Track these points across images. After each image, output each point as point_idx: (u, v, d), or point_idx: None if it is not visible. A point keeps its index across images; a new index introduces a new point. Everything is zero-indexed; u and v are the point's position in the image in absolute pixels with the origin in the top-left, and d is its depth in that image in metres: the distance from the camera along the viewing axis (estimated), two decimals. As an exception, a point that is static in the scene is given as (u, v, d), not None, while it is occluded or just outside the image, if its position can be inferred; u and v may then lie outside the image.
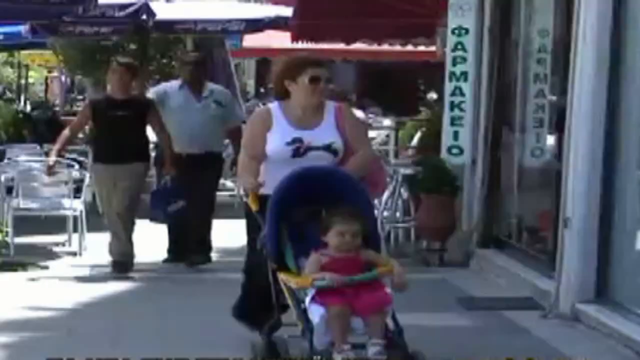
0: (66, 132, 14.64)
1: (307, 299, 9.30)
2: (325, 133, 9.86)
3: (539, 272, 15.30)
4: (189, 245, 15.36)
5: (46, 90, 44.84)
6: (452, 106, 18.07)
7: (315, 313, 9.17)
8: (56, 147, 14.91)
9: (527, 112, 17.14)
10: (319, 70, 9.60)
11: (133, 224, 14.34)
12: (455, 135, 17.98)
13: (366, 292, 9.34)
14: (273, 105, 10.08)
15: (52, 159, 15.29)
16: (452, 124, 17.99)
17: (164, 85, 16.37)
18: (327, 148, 9.70)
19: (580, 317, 13.37)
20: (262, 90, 28.06)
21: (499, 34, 17.79)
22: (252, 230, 10.54)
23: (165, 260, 15.60)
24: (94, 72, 30.93)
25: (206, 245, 15.40)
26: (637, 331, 12.01)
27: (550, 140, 16.21)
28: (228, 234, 16.60)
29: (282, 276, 9.58)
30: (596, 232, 13.51)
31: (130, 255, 15.11)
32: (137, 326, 12.83)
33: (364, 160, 9.98)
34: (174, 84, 15.00)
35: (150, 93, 15.29)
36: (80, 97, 42.39)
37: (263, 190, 10.01)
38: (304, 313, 9.45)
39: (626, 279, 13.19)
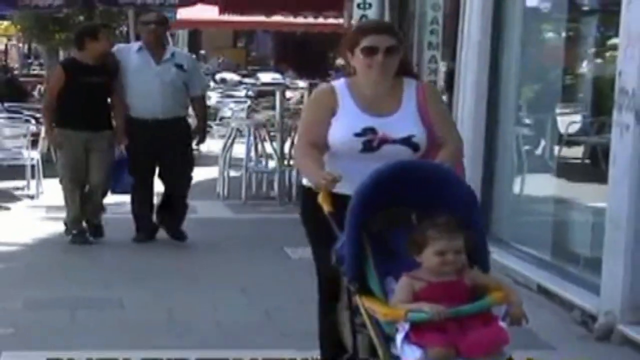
0: (48, 100, 13.16)
1: (399, 337, 6.20)
2: (404, 121, 6.65)
3: None
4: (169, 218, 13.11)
5: (6, 56, 44.53)
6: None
7: (410, 356, 6.15)
8: (48, 118, 13.31)
9: (421, 75, 16.54)
10: (376, 38, 6.46)
11: (105, 193, 12.98)
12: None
13: (475, 328, 6.22)
14: (338, 83, 6.82)
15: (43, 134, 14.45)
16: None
17: (123, 46, 14.11)
18: (407, 141, 6.53)
19: None
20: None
21: (398, 8, 17.66)
22: (318, 238, 7.00)
23: (136, 239, 13.05)
24: (48, 40, 30.90)
25: (183, 213, 12.99)
26: (516, 262, 12.24)
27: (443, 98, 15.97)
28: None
29: (365, 303, 6.37)
30: (478, 179, 13.31)
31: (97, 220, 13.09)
32: (79, 256, 12.43)
33: (456, 155, 6.82)
34: (134, 45, 13.23)
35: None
36: (36, 62, 42.31)
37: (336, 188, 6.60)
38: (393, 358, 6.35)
39: (506, 219, 13.38)
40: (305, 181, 6.93)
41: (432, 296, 6.09)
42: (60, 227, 13.64)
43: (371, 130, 6.52)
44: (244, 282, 11.49)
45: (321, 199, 6.34)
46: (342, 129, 6.62)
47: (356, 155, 6.57)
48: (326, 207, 6.32)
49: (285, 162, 14.23)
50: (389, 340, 6.28)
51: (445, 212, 6.07)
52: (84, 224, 12.95)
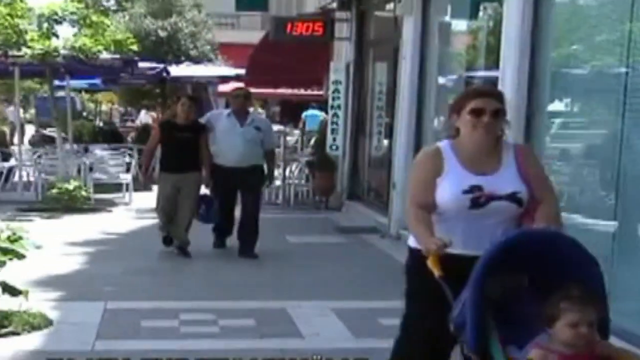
0: (147, 151, 12.13)
1: None
2: (507, 179, 5.17)
3: (379, 212, 14.79)
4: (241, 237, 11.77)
5: (110, 114, 44.38)
6: (332, 123, 17.04)
7: None
8: (145, 165, 12.50)
9: (372, 126, 16.72)
10: (483, 100, 5.08)
11: (191, 221, 11.50)
12: (334, 139, 17.21)
13: None
14: (442, 144, 5.33)
15: (143, 177, 12.85)
16: (332, 132, 16.95)
17: (217, 112, 13.90)
18: (512, 197, 5.10)
19: (402, 237, 11.97)
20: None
21: (358, 84, 17.18)
22: (421, 298, 5.28)
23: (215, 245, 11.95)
24: (136, 104, 30.91)
25: (254, 238, 11.68)
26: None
27: (385, 142, 15.84)
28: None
29: None
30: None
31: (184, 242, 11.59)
32: (158, 240, 11.65)
33: (559, 214, 5.22)
34: (224, 111, 12.28)
35: (205, 117, 12.53)
36: (129, 118, 42.06)
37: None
38: None
39: None
40: (412, 242, 5.19)
41: None
42: (143, 222, 13.57)
43: (478, 188, 4.98)
44: (261, 251, 11.45)
45: (431, 263, 4.67)
46: (451, 188, 4.99)
47: (464, 213, 4.98)
48: (437, 272, 4.66)
49: (286, 182, 13.93)
50: None
51: (574, 281, 4.37)
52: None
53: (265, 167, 12.02)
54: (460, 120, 5.03)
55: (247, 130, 11.37)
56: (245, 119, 11.50)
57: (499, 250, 4.50)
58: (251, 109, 12.80)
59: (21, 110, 22.60)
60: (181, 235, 11.40)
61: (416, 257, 5.00)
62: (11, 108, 37.43)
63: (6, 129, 26.00)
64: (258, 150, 11.58)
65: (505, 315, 4.56)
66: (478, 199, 4.93)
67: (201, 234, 11.49)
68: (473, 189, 4.94)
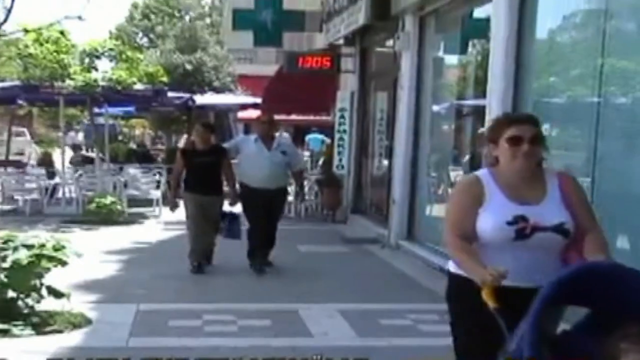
0: (174, 178, 11.38)
1: None
2: (552, 209, 4.45)
3: (380, 225, 14.63)
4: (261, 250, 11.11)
5: (142, 137, 44.50)
6: (339, 145, 17.25)
7: None
8: (174, 188, 11.48)
9: (374, 147, 16.64)
10: (519, 127, 4.36)
11: (214, 238, 10.95)
12: (340, 159, 17.15)
13: None
14: (482, 174, 4.58)
15: (174, 200, 11.39)
16: (338, 153, 16.94)
17: (245, 137, 13.05)
18: (558, 228, 4.38)
19: (400, 247, 13.16)
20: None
21: (361, 111, 17.09)
22: (468, 329, 4.52)
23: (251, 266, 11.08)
24: (166, 129, 30.99)
25: (270, 249, 11.18)
26: (429, 254, 11.87)
27: (385, 162, 15.65)
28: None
29: None
30: (407, 206, 13.36)
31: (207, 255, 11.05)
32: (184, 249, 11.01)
33: (606, 243, 4.48)
34: (251, 136, 11.47)
35: (231, 142, 12.19)
36: (159, 141, 42.11)
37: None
38: None
39: (423, 228, 12.99)
40: (452, 267, 4.45)
41: None
42: (171, 233, 13.49)
43: (522, 219, 4.21)
44: (275, 258, 11.26)
45: (485, 295, 3.92)
46: (493, 219, 4.25)
47: (508, 244, 4.21)
48: (492, 304, 3.90)
49: (298, 198, 13.77)
50: None
51: (633, 317, 3.55)
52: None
53: (289, 188, 11.71)
54: (499, 149, 4.34)
55: (273, 154, 10.88)
56: (271, 144, 10.99)
57: (558, 284, 3.77)
58: (277, 134, 12.49)
59: (75, 134, 22.63)
60: (206, 249, 10.91)
61: (459, 284, 4.36)
62: (72, 133, 37.41)
63: (51, 151, 26.11)
64: (283, 172, 11.17)
65: (563, 351, 3.80)
66: (523, 230, 4.22)
67: (225, 247, 11.21)
68: (517, 219, 4.22)
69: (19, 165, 21.99)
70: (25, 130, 41.46)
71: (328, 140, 19.40)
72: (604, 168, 7.69)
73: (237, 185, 11.16)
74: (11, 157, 23.78)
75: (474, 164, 10.92)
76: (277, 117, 13.80)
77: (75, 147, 29.65)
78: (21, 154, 30.99)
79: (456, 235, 4.29)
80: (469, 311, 4.25)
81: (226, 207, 11.17)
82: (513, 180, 4.31)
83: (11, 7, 7.46)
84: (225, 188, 11.23)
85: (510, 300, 3.82)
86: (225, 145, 11.57)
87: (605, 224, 7.21)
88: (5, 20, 7.56)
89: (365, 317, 8.41)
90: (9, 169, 19.97)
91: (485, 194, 4.30)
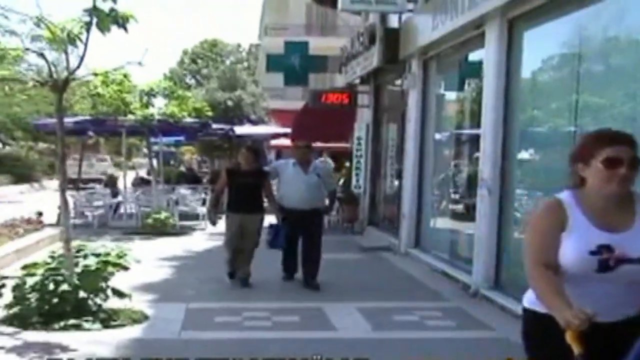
0: (215, 194, 10.57)
1: None
2: None
3: (392, 235, 14.48)
4: (305, 270, 10.25)
5: (190, 162, 44.82)
6: (356, 168, 17.33)
7: None
8: (213, 205, 10.74)
9: (386, 170, 16.50)
10: (619, 148, 3.00)
11: (253, 255, 10.00)
12: (357, 180, 17.24)
13: None
14: (565, 196, 3.21)
15: (213, 217, 10.67)
16: (356, 175, 17.29)
17: (284, 161, 11.58)
18: None
19: (409, 254, 13.04)
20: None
21: (375, 139, 17.06)
22: None
23: (284, 278, 10.51)
24: (210, 154, 31.09)
25: (316, 271, 10.18)
26: (433, 259, 11.89)
27: (395, 182, 15.44)
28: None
29: None
30: (414, 219, 13.25)
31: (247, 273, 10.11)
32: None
33: None
34: (290, 161, 10.56)
35: (271, 166, 11.61)
36: (204, 165, 42.33)
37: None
38: None
39: (429, 238, 12.88)
40: (528, 302, 3.37)
41: None
42: (215, 243, 13.36)
43: (607, 248, 3.15)
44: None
45: (570, 338, 2.97)
46: (575, 247, 3.18)
47: (590, 276, 3.17)
48: (577, 349, 2.97)
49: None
50: None
51: None
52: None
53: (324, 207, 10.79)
54: (589, 170, 3.24)
55: (310, 177, 10.15)
56: (308, 168, 10.26)
57: None
58: (321, 158, 11.96)
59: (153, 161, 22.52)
60: (245, 269, 10.09)
61: (536, 321, 3.32)
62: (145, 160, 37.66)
63: (116, 174, 26.31)
64: (320, 194, 10.40)
65: None
66: (606, 261, 3.15)
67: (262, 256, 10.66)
68: (601, 249, 3.16)
69: (146, 182, 21.86)
70: (108, 157, 42.15)
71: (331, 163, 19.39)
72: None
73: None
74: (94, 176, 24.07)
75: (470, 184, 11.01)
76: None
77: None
78: (104, 174, 31.49)
79: (540, 264, 3.21)
80: (550, 353, 3.25)
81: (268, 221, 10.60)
82: (600, 204, 3.24)
83: (83, 55, 7.54)
84: (266, 205, 10.58)
85: (594, 338, 2.99)
86: (266, 168, 11.09)
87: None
88: (78, 66, 7.65)
89: (379, 313, 8.37)
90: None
91: (569, 218, 3.24)
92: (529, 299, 3.37)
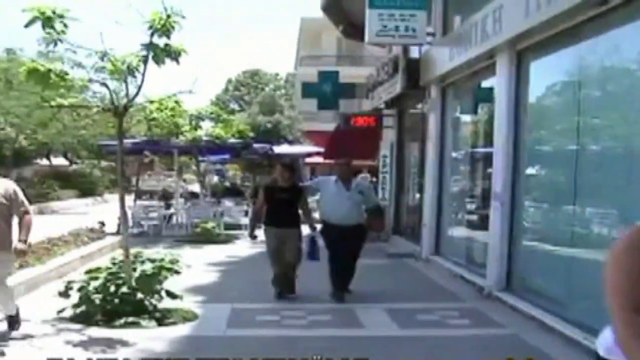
0: (255, 211, 9.93)
1: None
2: None
3: (414, 242, 14.44)
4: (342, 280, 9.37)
5: (234, 178, 44.83)
6: (382, 183, 17.48)
7: None
8: (253, 221, 10.06)
9: (409, 184, 16.42)
10: None
11: (296, 267, 9.29)
12: (383, 193, 17.32)
13: None
14: None
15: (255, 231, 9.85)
16: (382, 189, 17.32)
17: (326, 177, 10.45)
18: None
19: (430, 260, 12.94)
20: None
21: (398, 156, 17.07)
22: None
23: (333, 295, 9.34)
24: (251, 171, 31.18)
25: (349, 282, 9.49)
26: (451, 265, 11.79)
27: (417, 195, 15.40)
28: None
29: None
30: (434, 228, 13.16)
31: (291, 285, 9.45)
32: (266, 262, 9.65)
33: None
34: (332, 177, 9.70)
35: (313, 181, 11.05)
36: (246, 180, 42.38)
37: None
38: None
39: (448, 246, 12.73)
40: (603, 351, 2.39)
41: None
42: (257, 250, 13.11)
43: None
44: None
45: None
46: None
47: None
48: None
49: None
50: None
51: None
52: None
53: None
54: None
55: (352, 194, 9.37)
56: (350, 184, 9.50)
57: None
58: (362, 175, 11.50)
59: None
60: (291, 288, 9.38)
61: None
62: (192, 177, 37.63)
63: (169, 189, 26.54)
64: (361, 210, 9.54)
65: None
66: None
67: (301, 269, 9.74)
68: None
69: (195, 196, 22.15)
70: (173, 172, 42.37)
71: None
72: (583, 201, 7.60)
73: (318, 222, 9.64)
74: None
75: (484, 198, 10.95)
76: (334, 161, 13.45)
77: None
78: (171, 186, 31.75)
79: (628, 310, 2.25)
80: None
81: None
82: None
83: (141, 84, 7.68)
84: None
85: None
86: (307, 183, 10.58)
87: (583, 240, 7.13)
88: (136, 95, 7.80)
89: (404, 313, 8.33)
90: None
91: None
92: (607, 348, 2.42)
